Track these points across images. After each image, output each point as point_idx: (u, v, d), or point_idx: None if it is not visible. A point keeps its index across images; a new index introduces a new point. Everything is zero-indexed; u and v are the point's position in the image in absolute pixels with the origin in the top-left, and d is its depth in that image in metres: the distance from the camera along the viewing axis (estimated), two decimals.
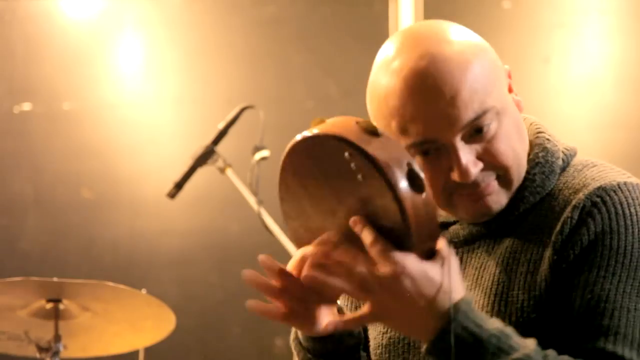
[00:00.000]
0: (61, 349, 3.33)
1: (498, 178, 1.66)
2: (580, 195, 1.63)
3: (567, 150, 1.74)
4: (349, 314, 1.53)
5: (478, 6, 4.49)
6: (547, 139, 1.73)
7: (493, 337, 1.48)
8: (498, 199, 1.67)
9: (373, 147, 1.44)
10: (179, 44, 4.68)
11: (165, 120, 4.66)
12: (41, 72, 4.65)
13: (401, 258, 1.45)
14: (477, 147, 1.64)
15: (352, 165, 1.44)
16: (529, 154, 1.71)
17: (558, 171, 1.70)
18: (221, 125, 3.62)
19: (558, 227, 1.63)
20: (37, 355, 3.34)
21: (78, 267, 4.52)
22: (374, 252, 1.45)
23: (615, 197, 1.62)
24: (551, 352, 1.52)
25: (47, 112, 4.63)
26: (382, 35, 4.60)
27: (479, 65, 1.64)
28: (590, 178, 1.67)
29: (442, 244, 1.48)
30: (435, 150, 1.64)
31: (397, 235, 1.45)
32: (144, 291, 3.40)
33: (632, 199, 1.63)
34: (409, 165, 1.44)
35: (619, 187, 1.64)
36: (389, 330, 1.76)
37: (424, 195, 1.44)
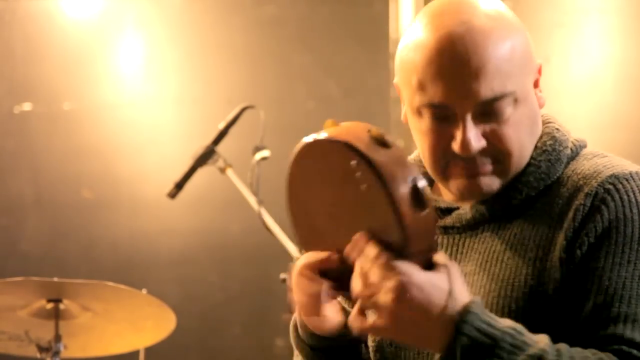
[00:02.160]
0: (61, 349, 3.33)
1: (496, 163, 1.67)
2: (593, 183, 1.64)
3: (577, 141, 1.76)
4: (358, 320, 1.52)
5: None
6: (557, 129, 1.74)
7: (507, 335, 1.49)
8: (490, 182, 1.68)
9: (380, 159, 1.44)
10: (179, 44, 4.68)
11: (165, 120, 4.66)
12: (41, 72, 4.65)
13: (406, 268, 1.46)
14: (486, 126, 1.66)
15: (357, 174, 1.44)
16: (537, 142, 1.72)
17: (565, 160, 1.71)
18: (221, 126, 3.62)
19: (570, 214, 1.63)
20: (38, 355, 3.34)
21: (78, 267, 4.53)
22: (378, 265, 1.46)
23: (628, 185, 1.64)
24: (563, 346, 1.53)
25: (47, 112, 4.63)
26: (382, 35, 4.61)
27: (512, 48, 1.66)
28: (602, 165, 1.67)
29: (440, 255, 1.50)
30: (444, 118, 1.66)
31: (395, 249, 1.46)
32: (144, 291, 3.40)
33: None
34: (414, 181, 1.44)
35: (631, 176, 1.65)
36: None
37: (425, 212, 1.45)
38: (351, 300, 1.56)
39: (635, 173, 1.66)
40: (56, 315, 3.35)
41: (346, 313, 1.70)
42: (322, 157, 1.50)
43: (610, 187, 1.63)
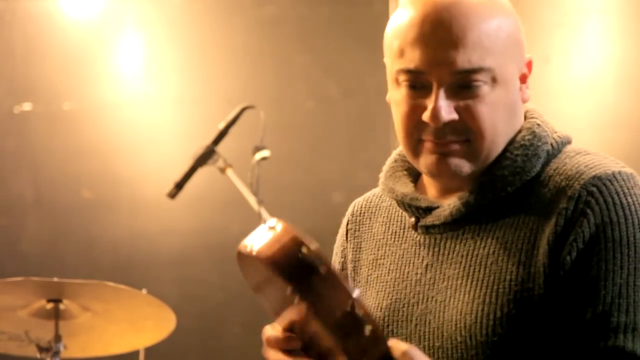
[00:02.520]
0: (61, 349, 3.33)
1: (466, 143, 1.66)
2: (575, 185, 1.62)
3: (560, 138, 1.73)
4: None
5: None
6: (538, 124, 1.71)
7: None
8: (459, 163, 1.67)
9: (313, 289, 1.39)
10: (179, 44, 4.68)
11: (165, 120, 4.66)
12: (41, 72, 4.65)
13: None
14: (460, 102, 1.64)
15: (294, 299, 1.41)
16: (516, 136, 1.70)
17: (543, 156, 1.69)
18: (221, 126, 3.62)
19: (553, 219, 1.61)
20: (38, 355, 3.34)
21: (78, 267, 4.52)
22: None
23: (611, 186, 1.61)
24: None
25: (47, 112, 4.63)
26: (382, 35, 4.60)
27: (498, 27, 1.65)
28: (584, 165, 1.65)
29: (394, 346, 1.44)
30: (420, 87, 1.65)
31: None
32: (144, 291, 3.40)
33: (628, 188, 1.62)
34: (352, 306, 1.39)
35: (614, 177, 1.62)
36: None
37: (367, 330, 1.40)
38: None
39: (618, 173, 1.63)
40: (56, 315, 3.35)
41: None
42: (262, 268, 1.46)
43: (594, 189, 1.61)
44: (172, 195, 3.62)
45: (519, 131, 1.70)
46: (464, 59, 1.61)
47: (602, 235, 1.59)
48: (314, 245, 1.40)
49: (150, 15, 4.68)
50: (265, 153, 3.53)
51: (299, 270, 1.40)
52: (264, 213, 3.46)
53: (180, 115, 4.65)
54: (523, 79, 1.71)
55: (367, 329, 1.40)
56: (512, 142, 1.69)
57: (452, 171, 1.67)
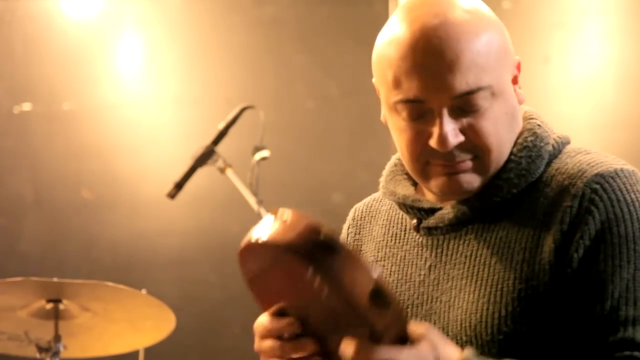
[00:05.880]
0: (61, 349, 3.33)
1: (475, 159, 1.66)
2: (579, 183, 1.63)
3: (560, 138, 1.74)
4: None
5: None
6: (538, 125, 1.72)
7: None
8: (470, 179, 1.67)
9: (335, 268, 1.39)
10: (179, 44, 4.68)
11: (165, 120, 4.66)
12: (41, 72, 4.65)
13: (390, 352, 1.41)
14: (463, 121, 1.64)
15: (315, 283, 1.40)
16: (518, 138, 1.70)
17: (546, 157, 1.70)
18: (221, 126, 3.62)
19: (558, 216, 1.62)
20: (37, 355, 3.34)
21: (78, 267, 4.52)
22: (362, 356, 1.41)
23: (614, 183, 1.63)
24: None
25: (47, 112, 4.63)
26: None
27: (488, 42, 1.64)
28: (586, 164, 1.66)
29: (412, 327, 1.45)
30: (421, 115, 1.64)
31: (370, 339, 1.42)
32: (143, 291, 3.40)
33: (631, 185, 1.63)
34: (376, 281, 1.40)
35: (617, 174, 1.64)
36: None
37: (390, 308, 1.41)
38: None
39: (620, 170, 1.65)
40: (56, 315, 3.35)
41: None
42: (274, 258, 1.45)
43: (597, 186, 1.62)
44: (172, 195, 3.62)
45: (521, 133, 1.71)
46: (462, 82, 1.61)
47: (607, 231, 1.60)
48: (328, 228, 1.41)
49: (150, 15, 4.68)
50: (264, 153, 3.53)
51: (321, 249, 1.40)
52: (264, 213, 3.45)
53: (180, 115, 4.65)
54: (514, 80, 1.71)
55: (390, 307, 1.40)
56: (514, 144, 1.70)
57: (464, 189, 1.68)
